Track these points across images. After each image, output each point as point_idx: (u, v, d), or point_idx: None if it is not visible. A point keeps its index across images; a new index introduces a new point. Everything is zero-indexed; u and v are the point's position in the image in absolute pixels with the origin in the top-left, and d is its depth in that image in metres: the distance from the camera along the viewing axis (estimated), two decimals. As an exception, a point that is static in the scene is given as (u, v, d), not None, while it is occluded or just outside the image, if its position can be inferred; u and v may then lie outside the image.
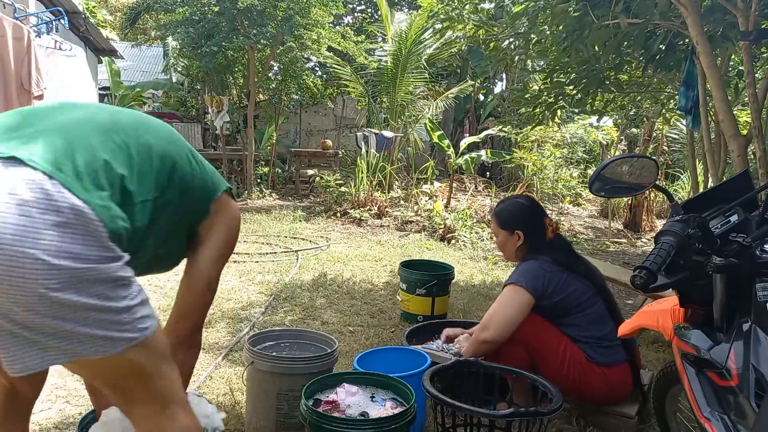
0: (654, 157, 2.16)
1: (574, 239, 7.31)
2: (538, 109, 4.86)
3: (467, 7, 4.55)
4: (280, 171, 11.30)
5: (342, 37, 9.45)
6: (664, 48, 3.86)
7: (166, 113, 12.40)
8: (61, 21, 5.52)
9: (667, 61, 4.05)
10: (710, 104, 3.72)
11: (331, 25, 9.40)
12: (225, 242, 1.61)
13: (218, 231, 1.57)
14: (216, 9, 8.52)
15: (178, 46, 9.74)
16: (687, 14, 2.98)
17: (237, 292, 4.36)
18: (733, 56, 4.06)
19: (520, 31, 4.31)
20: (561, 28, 3.86)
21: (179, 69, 11.37)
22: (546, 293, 2.37)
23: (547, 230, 2.52)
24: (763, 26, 3.17)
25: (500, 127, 10.12)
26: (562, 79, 4.51)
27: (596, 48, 3.89)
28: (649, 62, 4.12)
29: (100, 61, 8.85)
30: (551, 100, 4.66)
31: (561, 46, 3.98)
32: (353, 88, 10.34)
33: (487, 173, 11.81)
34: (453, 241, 6.73)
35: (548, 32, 4.09)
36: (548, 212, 8.77)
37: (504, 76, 12.78)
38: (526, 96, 4.84)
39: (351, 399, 1.99)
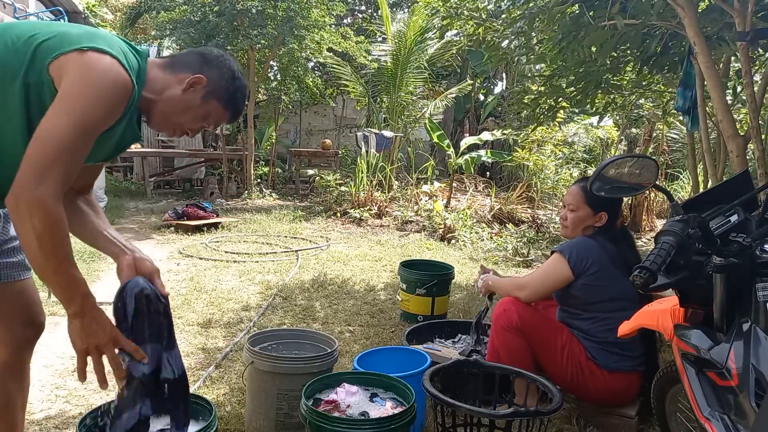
0: (654, 157, 2.16)
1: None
2: (537, 110, 4.87)
3: (467, 5, 4.55)
4: (280, 171, 11.30)
5: (342, 38, 9.45)
6: (661, 49, 3.86)
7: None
8: (62, 21, 5.52)
9: (664, 61, 4.06)
10: (709, 104, 3.72)
11: (331, 26, 9.40)
12: (67, 94, 1.32)
13: (61, 88, 1.33)
14: (216, 9, 8.51)
15: (176, 47, 9.72)
16: (684, 15, 2.98)
17: (237, 292, 4.36)
18: (733, 56, 4.06)
19: (517, 31, 4.31)
20: (557, 29, 3.86)
21: None
22: (586, 273, 2.36)
23: (619, 219, 2.49)
24: (760, 27, 3.17)
25: (501, 129, 10.13)
26: (561, 84, 4.52)
27: (593, 49, 3.90)
28: (646, 63, 4.12)
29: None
30: (551, 102, 4.67)
31: (558, 47, 3.99)
32: (353, 88, 10.34)
33: (487, 173, 11.81)
34: (453, 241, 6.73)
35: (548, 33, 4.09)
36: (548, 212, 8.73)
37: (504, 76, 12.79)
38: (525, 99, 4.84)
39: (351, 399, 1.99)
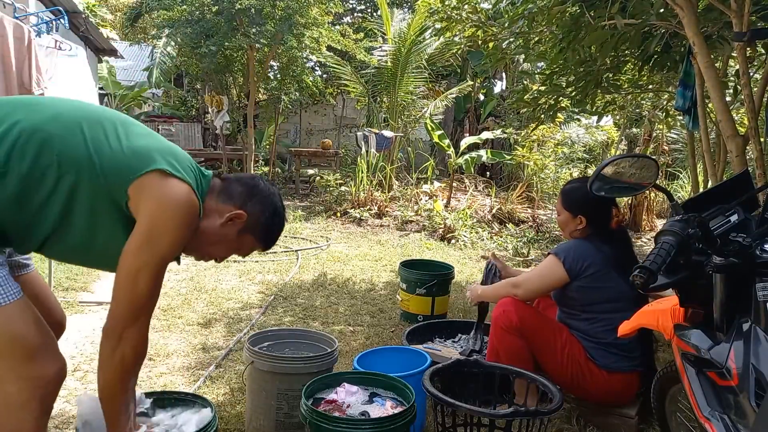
0: (654, 157, 2.16)
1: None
2: (537, 109, 4.86)
3: (466, 7, 4.54)
4: (280, 171, 11.30)
5: (341, 36, 9.44)
6: (660, 48, 3.86)
7: (165, 114, 12.40)
8: (62, 21, 5.52)
9: (664, 61, 4.05)
10: (709, 104, 3.72)
11: (330, 24, 9.40)
12: (147, 227, 1.41)
13: (141, 215, 1.42)
14: (215, 9, 8.51)
15: (174, 45, 9.70)
16: (683, 14, 2.98)
17: (237, 291, 4.36)
18: (733, 55, 4.06)
19: (517, 31, 4.31)
20: (557, 28, 3.86)
21: (167, 65, 11.25)
22: (582, 275, 2.36)
23: (612, 220, 2.47)
24: (758, 27, 3.17)
25: (501, 129, 10.12)
26: (561, 83, 4.51)
27: (593, 49, 3.89)
28: (646, 63, 4.12)
29: (101, 61, 8.85)
30: (552, 102, 4.66)
31: (558, 47, 3.99)
32: (353, 87, 10.34)
33: (487, 173, 11.80)
34: (453, 241, 6.73)
35: (546, 33, 4.09)
36: (548, 212, 8.74)
37: (504, 76, 12.78)
38: (525, 98, 4.83)
39: (351, 399, 1.99)
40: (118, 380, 1.48)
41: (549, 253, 2.48)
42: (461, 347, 2.99)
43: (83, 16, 6.73)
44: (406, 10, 12.44)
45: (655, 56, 4.02)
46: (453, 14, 4.48)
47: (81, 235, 1.46)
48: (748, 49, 3.13)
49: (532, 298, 2.53)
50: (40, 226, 1.42)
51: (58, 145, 1.39)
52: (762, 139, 3.11)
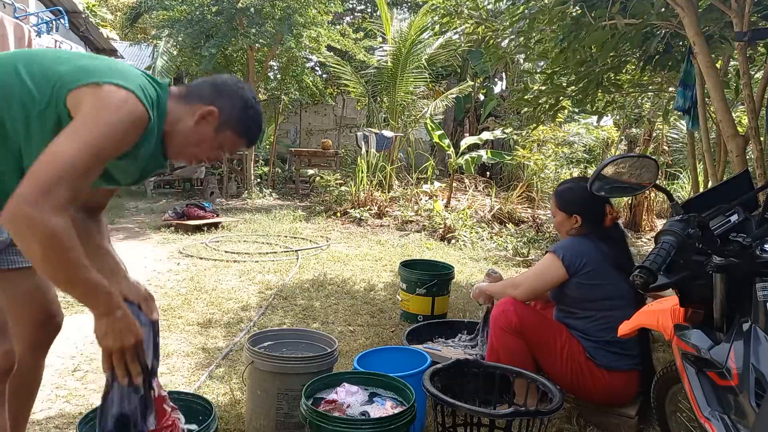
0: (654, 157, 2.16)
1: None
2: (537, 109, 4.86)
3: (468, 3, 4.55)
4: (280, 171, 11.30)
5: (341, 35, 9.44)
6: (661, 48, 3.86)
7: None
8: (61, 21, 5.52)
9: (665, 61, 4.06)
10: (709, 104, 3.72)
11: (329, 23, 9.39)
12: (75, 122, 1.34)
13: (78, 114, 1.36)
14: (215, 9, 8.51)
15: (175, 46, 9.69)
16: (684, 14, 2.98)
17: (237, 291, 4.36)
18: (734, 55, 4.06)
19: (518, 30, 4.31)
20: (558, 28, 3.86)
21: (167, 64, 11.23)
22: (580, 272, 2.37)
23: (606, 218, 2.48)
24: (758, 26, 3.17)
25: (501, 128, 10.12)
26: (562, 83, 4.51)
27: (594, 48, 3.90)
28: (647, 63, 4.12)
29: (100, 61, 8.84)
30: (552, 101, 4.66)
31: (559, 47, 3.99)
32: (353, 87, 10.34)
33: (487, 173, 11.80)
34: (453, 241, 6.73)
35: (548, 32, 4.09)
36: (548, 212, 8.74)
37: (504, 75, 12.78)
38: (526, 97, 4.83)
39: (351, 399, 1.99)
40: (52, 270, 1.30)
41: (547, 252, 2.49)
42: (464, 343, 2.99)
43: (83, 16, 6.74)
44: (406, 10, 12.44)
45: (656, 56, 4.03)
46: (454, 10, 4.49)
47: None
48: (749, 48, 3.13)
49: (533, 297, 2.53)
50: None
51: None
52: (762, 139, 3.11)
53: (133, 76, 1.47)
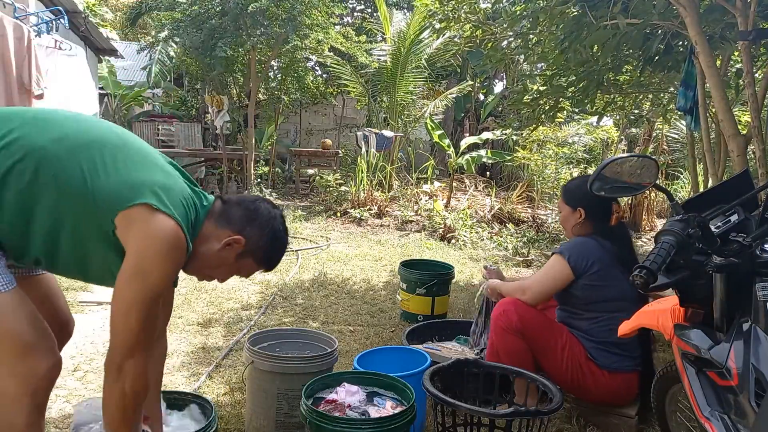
0: (654, 157, 2.16)
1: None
2: (537, 110, 4.86)
3: (465, 7, 4.54)
4: (280, 170, 11.29)
5: (344, 38, 9.44)
6: (662, 48, 3.86)
7: (165, 114, 12.39)
8: (61, 20, 5.52)
9: (666, 61, 4.05)
10: (710, 104, 3.72)
11: (333, 25, 9.39)
12: (135, 261, 1.44)
13: (129, 248, 1.46)
14: (219, 9, 8.50)
15: (181, 47, 9.69)
16: (686, 14, 2.98)
17: (237, 291, 4.36)
18: (735, 55, 4.06)
19: (519, 31, 4.31)
20: (560, 28, 3.86)
21: (167, 64, 11.21)
22: (587, 273, 2.36)
23: (612, 216, 2.46)
24: (762, 26, 3.17)
25: (501, 129, 10.11)
26: (562, 83, 4.51)
27: (595, 49, 3.89)
28: (648, 63, 4.12)
29: (101, 61, 8.84)
30: (552, 102, 4.66)
31: (560, 47, 3.99)
32: (353, 87, 10.34)
33: (487, 173, 11.80)
34: (453, 241, 6.73)
35: (547, 33, 4.09)
36: (548, 212, 8.74)
37: (504, 76, 12.78)
38: (525, 99, 4.83)
39: (351, 398, 1.99)
40: (121, 416, 1.50)
41: (553, 253, 2.48)
42: (465, 341, 2.99)
43: (83, 15, 6.72)
44: (405, 10, 12.43)
45: (657, 56, 4.02)
46: (451, 14, 4.49)
47: (72, 257, 1.50)
48: (752, 47, 3.13)
49: (541, 300, 2.49)
50: (32, 242, 1.47)
51: (54, 168, 1.43)
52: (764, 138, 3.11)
53: (178, 190, 1.53)
